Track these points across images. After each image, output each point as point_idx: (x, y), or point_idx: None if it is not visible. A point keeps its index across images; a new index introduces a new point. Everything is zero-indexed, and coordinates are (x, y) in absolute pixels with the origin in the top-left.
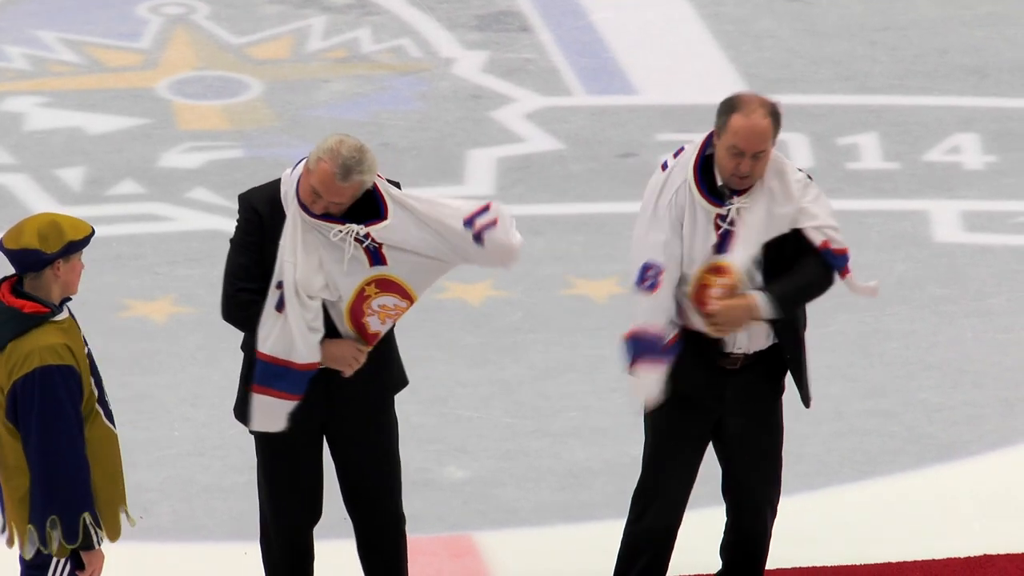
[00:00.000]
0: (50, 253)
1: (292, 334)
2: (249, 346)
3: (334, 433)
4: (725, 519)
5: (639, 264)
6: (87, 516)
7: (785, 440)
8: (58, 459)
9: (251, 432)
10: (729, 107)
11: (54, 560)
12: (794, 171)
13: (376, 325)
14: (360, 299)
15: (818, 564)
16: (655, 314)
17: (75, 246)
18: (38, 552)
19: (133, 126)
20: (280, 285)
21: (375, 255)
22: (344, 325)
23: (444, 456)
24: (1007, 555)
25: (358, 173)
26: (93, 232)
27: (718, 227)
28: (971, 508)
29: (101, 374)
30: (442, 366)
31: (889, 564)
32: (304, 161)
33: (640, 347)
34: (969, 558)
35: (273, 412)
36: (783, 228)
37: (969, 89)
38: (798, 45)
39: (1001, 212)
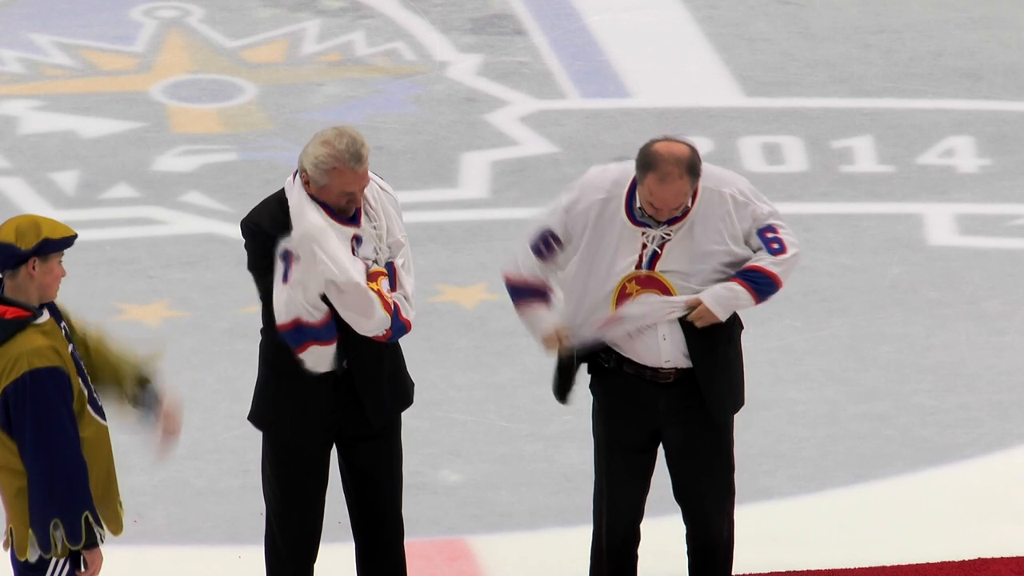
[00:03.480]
0: (24, 250)
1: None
2: (267, 350)
3: (349, 438)
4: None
5: (541, 228)
6: (88, 515)
7: (780, 443)
8: (55, 461)
9: (267, 436)
10: (646, 163)
11: (53, 561)
12: (725, 199)
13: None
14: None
15: (813, 567)
16: (543, 273)
17: (50, 244)
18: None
19: (127, 129)
20: (285, 256)
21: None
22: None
23: (438, 460)
24: (1001, 558)
25: (362, 147)
26: (74, 237)
27: (643, 245)
28: (965, 511)
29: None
30: (436, 370)
31: (884, 567)
32: (298, 177)
33: (522, 292)
34: (963, 561)
35: (321, 358)
36: (717, 255)
37: (963, 92)
38: (792, 48)
39: (995, 215)
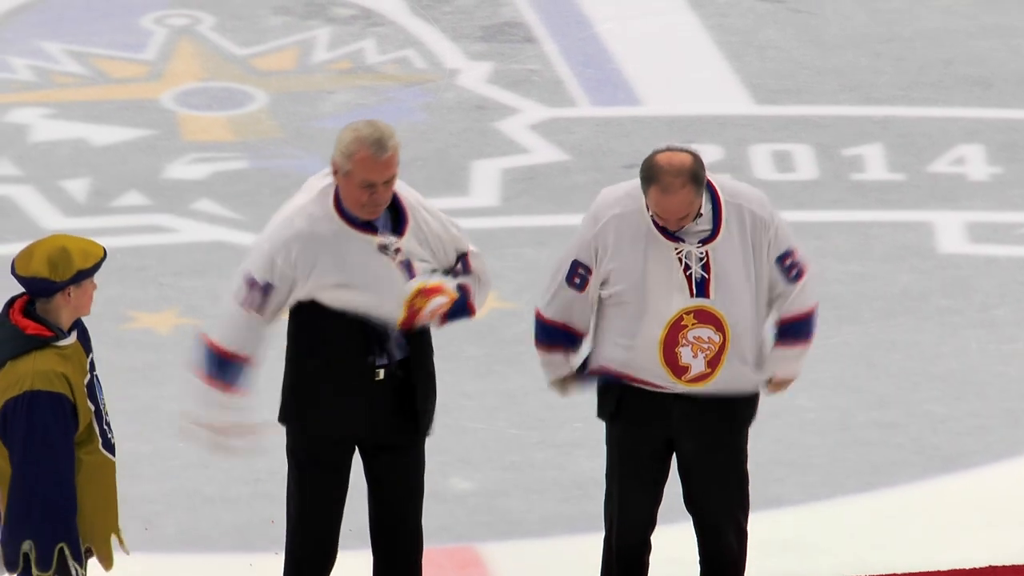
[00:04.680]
0: (59, 282)
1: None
2: (292, 348)
3: (372, 447)
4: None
5: (570, 260)
6: (65, 547)
7: (790, 451)
8: (37, 486)
9: (291, 440)
10: (648, 175)
11: None
12: (746, 210)
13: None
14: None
15: (823, 575)
16: (569, 313)
17: (84, 274)
18: (23, 571)
19: (138, 137)
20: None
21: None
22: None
23: (449, 467)
24: (1012, 566)
25: (389, 138)
26: (105, 256)
27: (685, 267)
28: (976, 519)
29: (104, 392)
30: (447, 377)
31: (894, 575)
32: (319, 181)
33: (552, 335)
34: (974, 569)
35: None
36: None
37: (974, 100)
38: (803, 56)
39: (1006, 223)
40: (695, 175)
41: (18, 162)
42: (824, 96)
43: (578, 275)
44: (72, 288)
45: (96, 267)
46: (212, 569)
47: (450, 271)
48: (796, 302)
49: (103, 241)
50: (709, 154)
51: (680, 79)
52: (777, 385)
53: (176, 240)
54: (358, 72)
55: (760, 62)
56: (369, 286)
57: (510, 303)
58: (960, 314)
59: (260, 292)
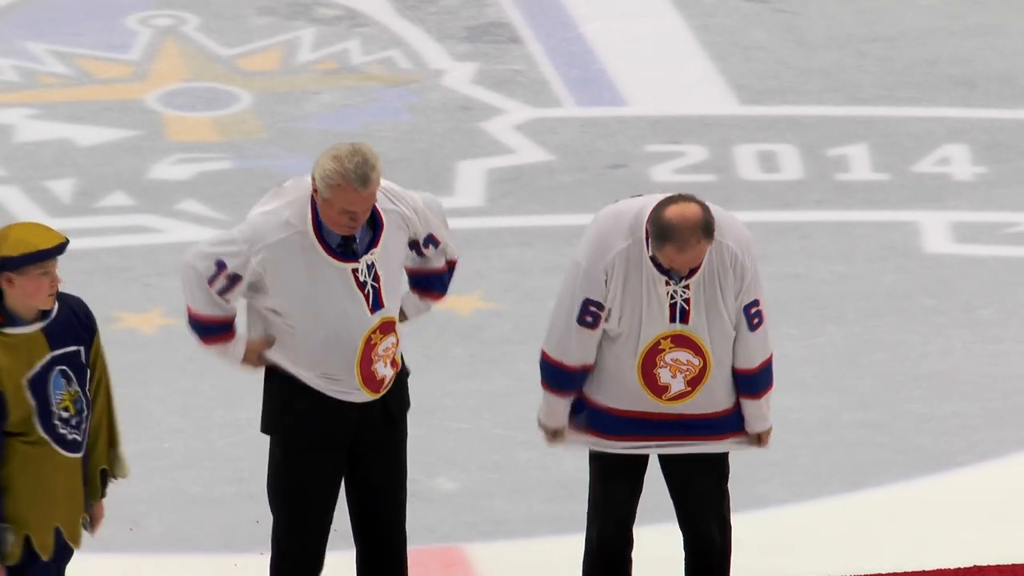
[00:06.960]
0: None
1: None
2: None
3: (359, 449)
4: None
5: (578, 299)
6: None
7: (775, 451)
8: None
9: (280, 447)
10: (662, 234)
11: None
12: (729, 253)
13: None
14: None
15: (808, 575)
16: (587, 353)
17: (10, 263)
18: None
19: (123, 138)
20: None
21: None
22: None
23: (434, 468)
24: (997, 566)
25: (372, 170)
26: (47, 251)
27: (671, 296)
28: (961, 519)
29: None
30: (431, 377)
31: (879, 575)
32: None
33: (561, 380)
34: (959, 569)
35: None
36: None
37: (958, 100)
38: (787, 56)
39: (990, 223)
40: (707, 226)
41: (2, 162)
42: (809, 96)
43: (590, 313)
44: (11, 275)
45: (24, 258)
46: (197, 569)
47: (418, 250)
48: (756, 353)
49: (88, 241)
50: (694, 155)
51: (665, 79)
52: (763, 439)
53: (161, 240)
54: (343, 72)
55: (745, 62)
56: (327, 312)
57: (494, 303)
58: (945, 314)
59: (227, 279)
